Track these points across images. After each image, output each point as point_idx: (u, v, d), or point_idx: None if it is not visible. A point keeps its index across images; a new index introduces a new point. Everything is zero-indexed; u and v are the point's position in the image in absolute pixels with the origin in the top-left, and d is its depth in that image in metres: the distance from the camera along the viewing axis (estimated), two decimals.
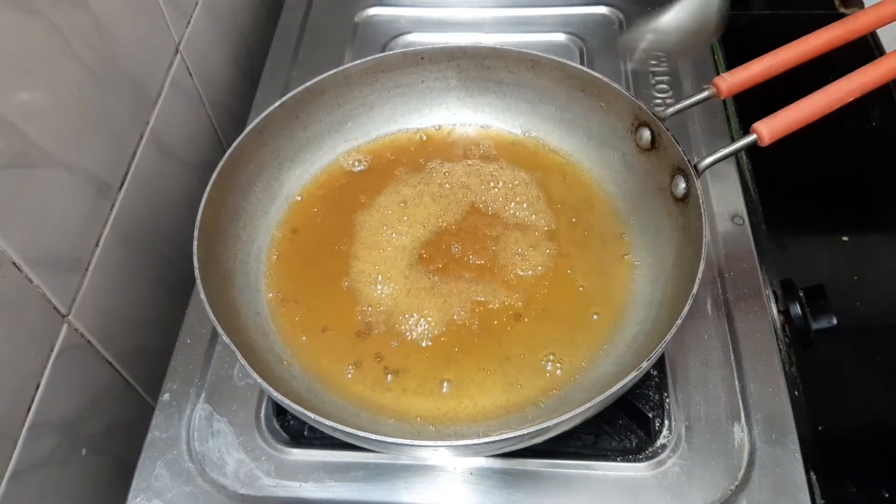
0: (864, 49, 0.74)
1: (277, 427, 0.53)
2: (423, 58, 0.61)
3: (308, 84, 0.58)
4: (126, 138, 0.59)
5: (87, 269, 0.54)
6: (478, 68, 0.62)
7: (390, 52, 0.62)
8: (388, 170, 0.62)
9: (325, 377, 0.51)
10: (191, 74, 0.70)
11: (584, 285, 0.54)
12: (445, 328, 0.53)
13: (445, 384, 0.50)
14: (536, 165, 0.61)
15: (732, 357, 0.53)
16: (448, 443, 0.41)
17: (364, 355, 0.52)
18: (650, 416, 0.51)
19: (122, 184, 0.58)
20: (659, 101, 0.70)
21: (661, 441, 0.50)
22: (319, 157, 0.62)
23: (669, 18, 0.77)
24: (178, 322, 0.58)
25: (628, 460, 0.50)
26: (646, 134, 0.54)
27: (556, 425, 0.41)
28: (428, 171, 0.61)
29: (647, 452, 0.50)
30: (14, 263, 0.46)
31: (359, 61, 0.60)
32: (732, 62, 0.59)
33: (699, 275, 0.44)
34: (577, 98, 0.59)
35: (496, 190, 0.60)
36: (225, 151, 0.54)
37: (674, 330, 0.43)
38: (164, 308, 0.64)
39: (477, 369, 0.51)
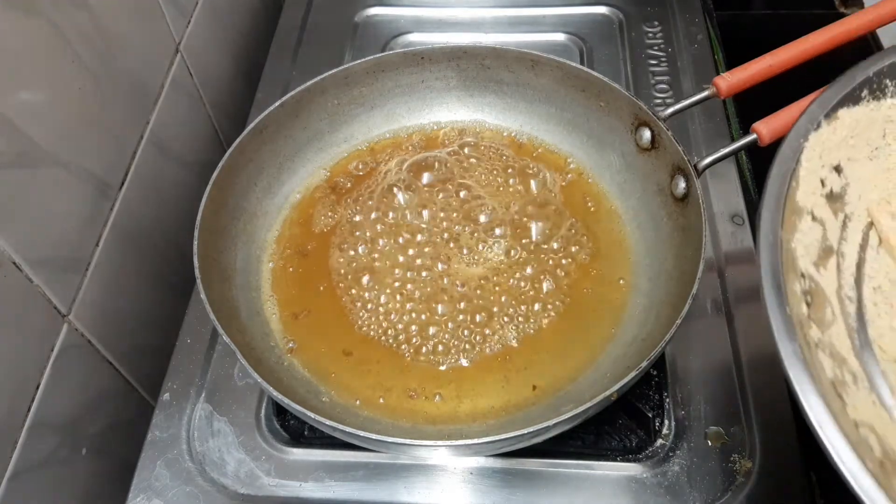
0: (865, 49, 0.74)
1: (277, 427, 0.53)
2: (423, 58, 0.61)
3: (308, 84, 0.59)
4: (126, 138, 0.59)
5: (87, 269, 0.54)
6: (478, 68, 0.62)
7: (390, 52, 0.62)
8: (388, 169, 0.62)
9: (325, 377, 0.51)
10: (191, 74, 0.70)
11: (584, 285, 0.54)
12: (444, 328, 0.53)
13: (445, 384, 0.50)
14: (535, 165, 0.61)
15: (732, 357, 0.53)
16: (448, 443, 0.41)
17: (365, 356, 0.52)
18: (650, 415, 0.51)
19: (123, 183, 0.58)
20: (659, 100, 0.70)
21: (660, 441, 0.50)
22: (319, 156, 0.62)
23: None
24: (178, 322, 0.58)
25: (628, 460, 0.50)
26: (646, 134, 0.54)
27: (555, 425, 0.41)
28: (428, 171, 0.61)
29: (647, 452, 0.50)
30: (14, 263, 0.46)
31: (359, 61, 0.60)
32: (732, 62, 0.59)
33: (699, 275, 0.44)
34: (576, 98, 0.59)
35: (496, 190, 0.60)
36: (225, 151, 0.54)
37: (673, 330, 0.43)
38: (164, 308, 0.64)
39: (477, 369, 0.51)
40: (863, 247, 0.40)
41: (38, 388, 0.49)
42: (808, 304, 0.35)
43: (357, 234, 0.58)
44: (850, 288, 0.39)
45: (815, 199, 0.39)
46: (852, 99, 0.41)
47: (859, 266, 0.40)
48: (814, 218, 0.38)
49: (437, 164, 0.62)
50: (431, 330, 0.53)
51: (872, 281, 0.40)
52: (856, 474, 0.29)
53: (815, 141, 0.39)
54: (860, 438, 0.32)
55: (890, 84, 0.42)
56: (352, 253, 0.57)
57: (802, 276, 0.36)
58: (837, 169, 0.40)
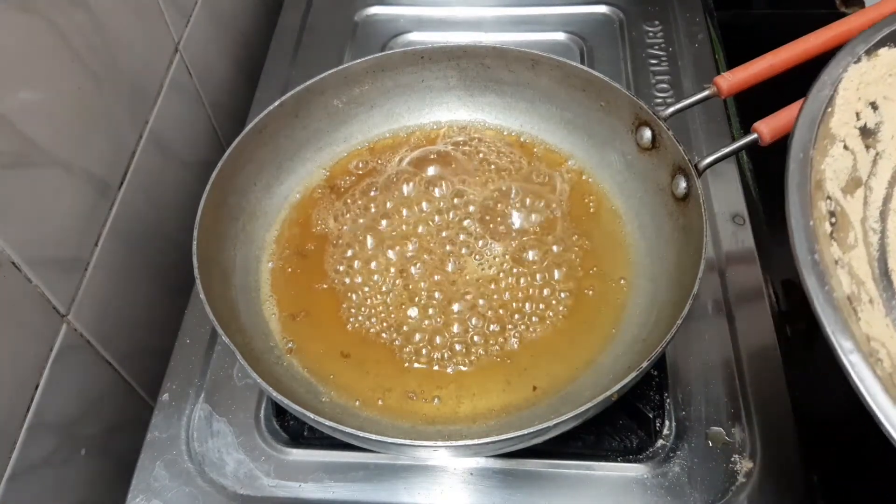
0: None
1: (277, 427, 0.53)
2: (423, 57, 0.61)
3: (308, 83, 0.58)
4: (125, 138, 0.59)
5: (86, 269, 0.54)
6: (478, 67, 0.62)
7: (390, 52, 0.62)
8: (388, 169, 0.62)
9: (325, 378, 0.51)
10: (190, 74, 0.70)
11: (584, 286, 0.54)
12: (444, 329, 0.52)
13: (445, 385, 0.50)
14: (536, 165, 0.61)
15: (733, 357, 0.53)
16: (448, 443, 0.41)
17: (364, 357, 0.52)
18: (650, 416, 0.51)
19: (122, 183, 0.58)
20: (659, 100, 0.70)
21: (661, 441, 0.50)
22: (319, 156, 0.62)
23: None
24: (177, 322, 0.58)
25: (629, 461, 0.50)
26: (646, 133, 0.54)
27: (556, 425, 0.41)
28: (427, 170, 0.61)
29: (647, 453, 0.50)
30: (13, 263, 0.46)
31: (359, 60, 0.60)
32: (733, 61, 0.59)
33: (700, 275, 0.44)
34: (577, 97, 0.59)
35: (495, 190, 0.60)
36: (224, 151, 0.54)
37: (674, 330, 0.43)
38: (163, 308, 0.64)
39: (477, 370, 0.51)
40: (891, 183, 0.40)
41: (37, 388, 0.48)
42: (832, 225, 0.36)
43: (356, 234, 0.58)
44: (874, 220, 0.39)
45: (848, 130, 0.39)
46: (894, 39, 0.41)
47: (886, 201, 0.40)
48: (846, 147, 0.39)
49: (436, 165, 0.61)
50: (431, 331, 0.52)
51: (888, 211, 0.40)
52: (863, 377, 0.29)
53: (854, 73, 0.39)
54: (871, 350, 0.31)
55: None
56: (350, 253, 0.57)
57: (829, 198, 0.36)
58: (874, 105, 0.40)
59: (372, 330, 0.53)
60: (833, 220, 0.36)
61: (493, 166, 0.61)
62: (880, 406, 0.28)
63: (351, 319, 0.53)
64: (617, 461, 0.50)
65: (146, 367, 0.61)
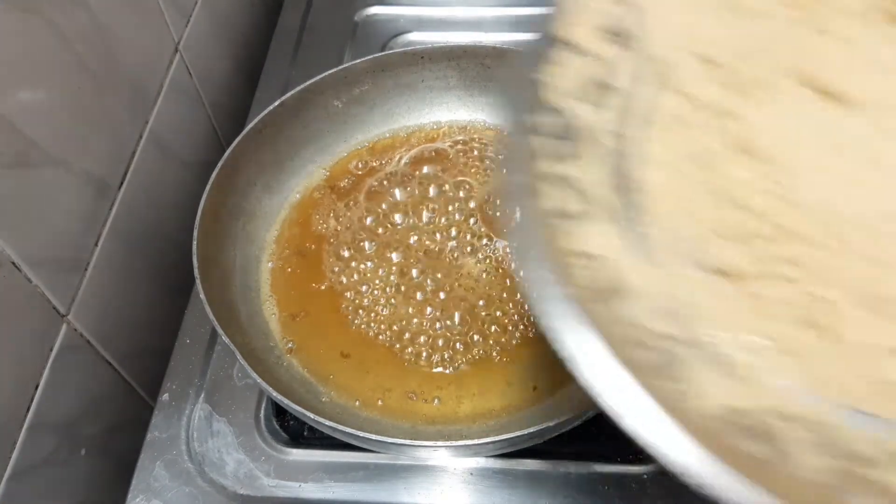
0: None
1: (277, 427, 0.53)
2: (422, 57, 0.61)
3: (308, 83, 0.58)
4: (125, 138, 0.59)
5: (86, 269, 0.54)
6: (478, 67, 0.62)
7: (390, 52, 0.62)
8: (388, 169, 0.62)
9: (324, 378, 0.51)
10: (190, 74, 0.70)
11: None
12: (444, 328, 0.53)
13: (445, 385, 0.50)
14: None
15: None
16: (448, 443, 0.41)
17: (364, 357, 0.52)
18: None
19: (122, 183, 0.58)
20: None
21: None
22: (319, 156, 0.62)
23: None
24: (177, 322, 0.58)
25: (628, 461, 0.49)
26: None
27: (556, 425, 0.41)
28: (428, 170, 0.61)
29: (647, 453, 0.50)
30: (13, 263, 0.46)
31: (358, 60, 0.60)
32: None
33: None
34: None
35: (495, 189, 0.60)
36: (225, 151, 0.54)
37: None
38: (163, 308, 0.64)
39: (477, 370, 0.51)
40: (642, 84, 0.33)
41: (37, 388, 0.48)
42: (560, 137, 0.31)
43: (356, 234, 0.58)
44: (621, 128, 0.33)
45: (592, 31, 0.33)
46: None
47: (638, 105, 0.33)
48: (587, 51, 0.33)
49: (436, 164, 0.61)
50: (431, 331, 0.52)
51: (649, 118, 0.33)
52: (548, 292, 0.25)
53: None
54: (572, 264, 0.28)
55: None
56: (350, 253, 0.57)
57: (559, 110, 0.31)
58: (621, 2, 0.34)
59: (372, 330, 0.53)
60: (563, 132, 0.31)
61: (493, 165, 0.61)
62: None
63: (351, 319, 0.53)
64: (617, 461, 0.50)
65: (146, 367, 0.61)
